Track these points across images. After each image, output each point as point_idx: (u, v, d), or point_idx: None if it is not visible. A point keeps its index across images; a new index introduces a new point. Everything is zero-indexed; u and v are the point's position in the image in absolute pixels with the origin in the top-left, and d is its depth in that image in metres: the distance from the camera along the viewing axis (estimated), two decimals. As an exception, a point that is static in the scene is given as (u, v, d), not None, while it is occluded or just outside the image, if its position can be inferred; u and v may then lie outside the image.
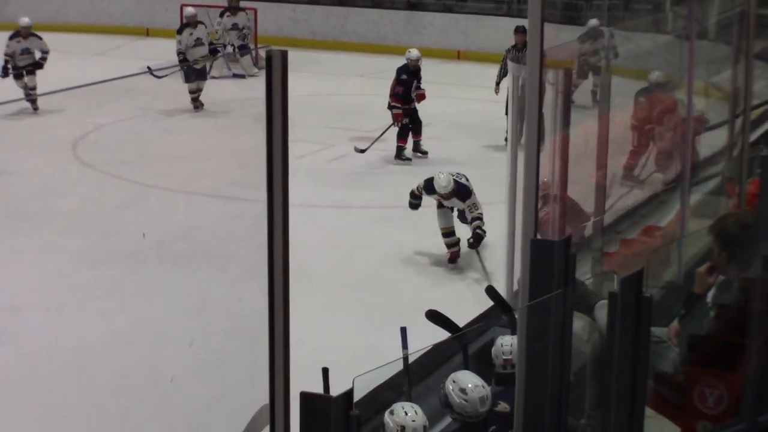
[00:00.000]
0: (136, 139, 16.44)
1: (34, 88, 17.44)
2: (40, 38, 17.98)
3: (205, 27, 19.88)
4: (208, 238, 11.63)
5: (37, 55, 17.75)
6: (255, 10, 22.54)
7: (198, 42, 19.34)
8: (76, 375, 8.76)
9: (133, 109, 17.62)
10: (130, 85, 19.37)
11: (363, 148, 14.36)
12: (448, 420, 5.97)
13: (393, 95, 15.33)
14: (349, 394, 3.30)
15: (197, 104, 18.26)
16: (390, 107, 15.33)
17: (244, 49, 21.30)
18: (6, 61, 17.44)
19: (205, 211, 12.66)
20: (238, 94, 18.90)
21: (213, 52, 20.08)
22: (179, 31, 19.61)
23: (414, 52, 15.69)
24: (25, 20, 17.91)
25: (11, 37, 17.67)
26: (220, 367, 8.48)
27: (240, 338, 8.75)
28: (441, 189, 11.01)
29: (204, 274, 10.69)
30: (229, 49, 21.20)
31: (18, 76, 17.29)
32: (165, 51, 21.29)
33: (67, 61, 20.87)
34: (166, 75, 17.88)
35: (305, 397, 3.34)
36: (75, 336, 9.40)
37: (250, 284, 9.90)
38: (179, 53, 19.37)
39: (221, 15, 21.21)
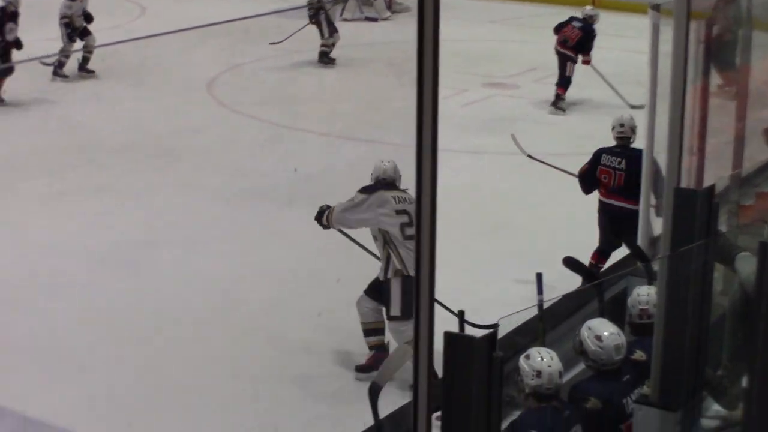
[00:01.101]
0: (271, 80, 16.53)
1: (90, 52, 16.54)
2: None
3: None
4: (341, 180, 11.67)
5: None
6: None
7: None
8: (210, 310, 8.89)
9: (268, 50, 17.72)
10: (265, 23, 19.44)
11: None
12: (581, 367, 5.96)
13: (569, 45, 15.13)
14: (493, 335, 3.32)
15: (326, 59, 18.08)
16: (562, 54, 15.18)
17: None
18: (66, 24, 16.30)
19: (339, 153, 12.70)
20: (371, 38, 18.93)
21: None
22: None
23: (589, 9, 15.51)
24: None
25: None
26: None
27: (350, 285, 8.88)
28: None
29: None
30: None
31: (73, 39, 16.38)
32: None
33: (202, 0, 21.13)
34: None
35: (449, 336, 3.36)
36: (209, 272, 9.55)
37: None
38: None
39: None
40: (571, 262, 6.97)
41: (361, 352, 7.88)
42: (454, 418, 3.31)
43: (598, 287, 6.76)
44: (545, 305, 6.52)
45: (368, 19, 20.78)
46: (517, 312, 5.48)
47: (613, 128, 9.19)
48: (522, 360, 5.38)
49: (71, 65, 16.27)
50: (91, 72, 16.35)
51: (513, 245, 10.18)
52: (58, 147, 12.74)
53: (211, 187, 11.71)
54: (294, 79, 16.55)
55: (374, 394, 5.61)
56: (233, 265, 9.74)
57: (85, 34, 16.29)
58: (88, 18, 16.24)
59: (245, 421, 7.32)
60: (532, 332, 6.39)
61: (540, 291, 6.57)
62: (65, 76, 16.08)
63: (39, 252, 9.70)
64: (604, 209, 9.15)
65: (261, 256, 9.91)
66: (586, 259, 7.29)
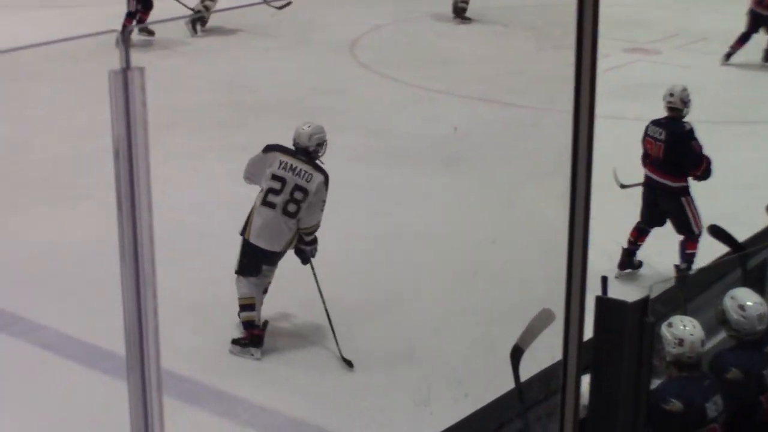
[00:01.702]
0: (410, 41, 16.58)
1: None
2: None
3: None
4: (478, 142, 11.71)
5: None
6: None
7: None
8: (347, 269, 9.00)
9: (408, 11, 17.78)
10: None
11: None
12: (721, 336, 5.93)
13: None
14: (646, 300, 3.35)
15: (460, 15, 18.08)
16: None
17: None
18: None
19: (477, 116, 12.72)
20: (510, 1, 18.81)
21: None
22: None
23: None
24: None
25: None
26: (487, 270, 8.61)
27: (509, 245, 8.91)
28: None
29: (473, 178, 10.81)
30: None
31: None
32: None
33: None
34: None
35: (601, 301, 3.40)
36: (347, 232, 9.65)
37: (520, 190, 10.07)
38: None
39: None
40: (716, 231, 6.90)
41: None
42: (603, 380, 3.35)
43: (741, 257, 6.70)
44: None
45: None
46: (669, 279, 5.51)
47: (664, 98, 9.03)
48: (664, 328, 5.38)
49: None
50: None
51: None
52: (200, 104, 12.93)
53: (350, 147, 11.80)
54: (433, 42, 16.57)
55: (516, 357, 5.67)
56: (368, 225, 9.86)
57: None
58: None
59: (402, 375, 7.46)
60: (673, 301, 6.38)
61: (682, 259, 6.55)
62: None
63: (185, 209, 9.86)
64: (647, 182, 9.01)
65: (402, 216, 9.99)
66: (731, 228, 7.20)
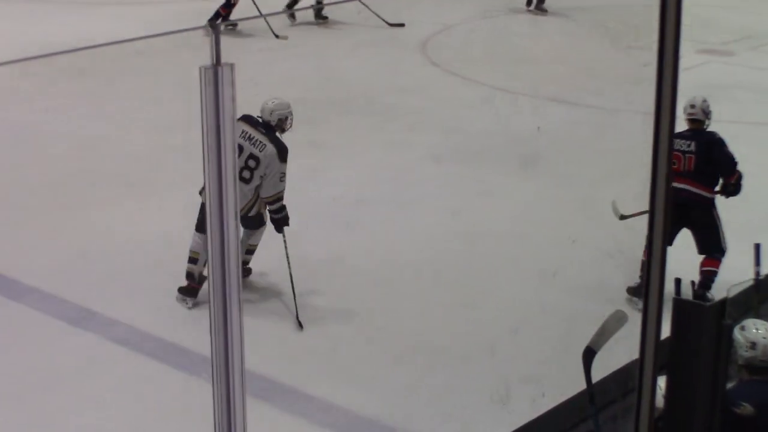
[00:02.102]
0: (482, 41, 16.57)
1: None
2: None
3: None
4: (554, 142, 11.68)
5: None
6: None
7: None
8: (417, 266, 9.04)
9: (479, 11, 17.77)
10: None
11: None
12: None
13: None
14: (724, 303, 3.34)
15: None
16: None
17: None
18: None
19: (549, 115, 12.68)
20: (582, 1, 18.75)
21: None
22: None
23: None
24: None
25: None
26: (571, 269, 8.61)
27: (587, 244, 8.88)
28: None
29: (550, 177, 10.79)
30: None
31: None
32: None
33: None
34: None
35: (678, 303, 3.39)
36: (424, 230, 9.68)
37: (597, 190, 10.04)
38: None
39: None
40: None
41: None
42: (680, 381, 3.35)
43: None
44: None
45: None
46: (744, 283, 5.48)
47: (684, 110, 8.68)
48: (737, 331, 5.36)
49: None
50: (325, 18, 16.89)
51: (723, 215, 10.05)
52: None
53: (423, 145, 11.84)
54: (505, 41, 16.56)
55: (588, 358, 5.67)
56: (440, 223, 9.85)
57: None
58: None
59: (481, 373, 7.45)
60: (745, 303, 6.33)
61: (758, 262, 6.49)
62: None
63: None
64: (676, 198, 8.76)
65: (480, 215, 9.99)
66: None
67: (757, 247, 6.50)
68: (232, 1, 16.37)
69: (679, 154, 8.40)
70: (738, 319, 5.50)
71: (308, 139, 11.89)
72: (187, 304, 8.42)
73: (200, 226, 8.29)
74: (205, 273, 8.24)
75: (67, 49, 15.00)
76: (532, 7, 18.13)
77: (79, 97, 13.23)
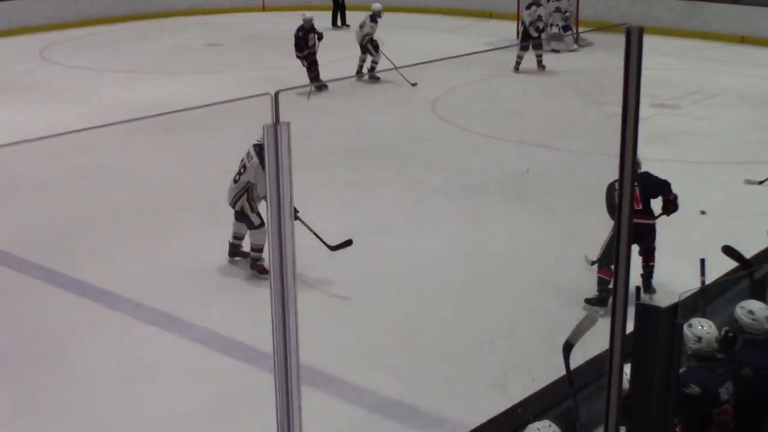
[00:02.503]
0: (480, 99, 16.61)
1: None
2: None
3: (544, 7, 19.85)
4: (538, 180, 11.68)
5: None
6: (577, -1, 22.30)
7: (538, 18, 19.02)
8: (431, 278, 9.07)
9: (477, 75, 17.82)
10: (476, 56, 19.62)
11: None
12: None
13: None
14: (676, 306, 3.34)
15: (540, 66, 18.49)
16: None
17: (566, 29, 21.04)
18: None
19: (534, 158, 12.68)
20: (556, 66, 18.75)
21: (566, 29, 20.21)
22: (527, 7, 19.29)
23: None
24: (376, 6, 17.70)
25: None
26: (542, 279, 8.59)
27: (567, 261, 8.87)
28: None
29: (532, 208, 10.79)
30: (554, 29, 21.01)
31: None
32: (505, 30, 21.46)
33: (428, 36, 21.35)
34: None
35: (640, 307, 3.40)
36: (431, 252, 9.68)
37: (573, 217, 10.03)
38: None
39: (548, 0, 21.08)
40: (729, 250, 6.83)
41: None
42: (642, 368, 3.35)
43: (750, 272, 6.63)
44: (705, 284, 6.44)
45: (553, 51, 20.54)
46: (692, 290, 5.49)
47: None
48: (686, 328, 5.35)
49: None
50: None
51: (673, 237, 10.05)
52: (317, 149, 13.04)
53: (434, 183, 11.86)
54: (498, 99, 16.58)
55: (567, 350, 5.68)
56: (448, 246, 9.83)
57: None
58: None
59: (484, 364, 7.48)
60: (692, 306, 6.32)
61: (703, 273, 6.48)
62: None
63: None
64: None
65: (480, 237, 9.98)
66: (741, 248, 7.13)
67: (702, 261, 6.50)
68: (310, 69, 16.57)
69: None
70: (687, 318, 5.49)
71: (345, 178, 11.98)
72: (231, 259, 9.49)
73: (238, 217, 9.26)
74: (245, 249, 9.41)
75: (153, 110, 15.15)
76: (518, 68, 18.31)
77: (164, 148, 13.31)
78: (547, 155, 12.96)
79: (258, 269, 9.16)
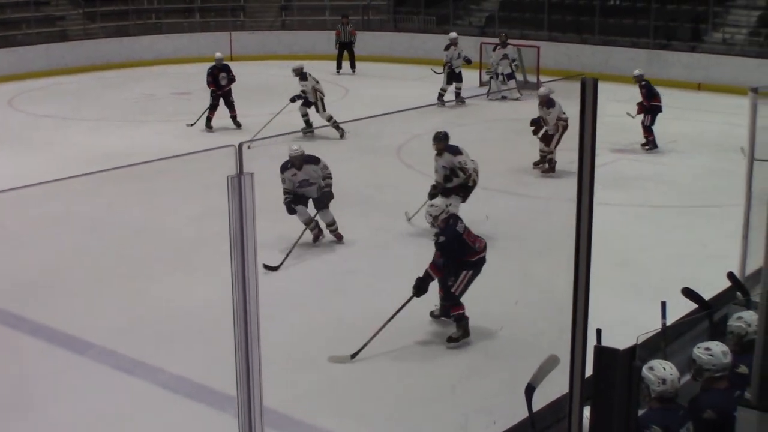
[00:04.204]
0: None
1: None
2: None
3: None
4: (500, 225, 11.72)
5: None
6: (538, 48, 22.52)
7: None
8: (394, 327, 8.79)
9: (439, 123, 17.90)
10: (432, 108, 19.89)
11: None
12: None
13: None
14: (634, 348, 3.36)
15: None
16: None
17: (510, 77, 21.24)
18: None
19: (498, 203, 12.76)
20: (518, 113, 18.88)
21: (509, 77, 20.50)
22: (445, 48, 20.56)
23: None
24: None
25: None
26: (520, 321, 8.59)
27: (527, 305, 8.89)
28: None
29: (497, 253, 10.79)
30: (501, 77, 21.25)
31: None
32: (467, 79, 21.67)
33: (393, 85, 21.48)
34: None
35: (598, 349, 3.41)
36: (393, 296, 9.59)
37: (539, 259, 10.09)
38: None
39: (494, 49, 21.34)
40: (689, 293, 6.87)
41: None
42: (601, 410, 3.37)
43: (708, 313, 6.68)
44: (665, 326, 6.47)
45: (503, 97, 20.82)
46: (651, 332, 5.51)
47: None
48: (646, 370, 5.35)
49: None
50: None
51: (633, 279, 10.13)
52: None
53: (396, 228, 11.88)
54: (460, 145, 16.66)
55: (529, 393, 5.67)
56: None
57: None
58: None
59: (445, 407, 7.51)
60: (652, 347, 6.35)
61: (664, 315, 6.50)
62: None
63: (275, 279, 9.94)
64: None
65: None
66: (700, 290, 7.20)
67: (663, 304, 6.52)
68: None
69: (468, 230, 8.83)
70: (646, 360, 5.51)
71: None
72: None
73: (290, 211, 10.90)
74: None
75: (123, 158, 15.13)
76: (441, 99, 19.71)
77: (134, 196, 13.27)
78: (507, 201, 13.04)
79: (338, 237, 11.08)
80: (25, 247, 11.45)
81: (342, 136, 17.27)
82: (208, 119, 18.04)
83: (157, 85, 23.26)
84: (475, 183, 11.55)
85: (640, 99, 16.31)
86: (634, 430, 3.45)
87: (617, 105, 18.80)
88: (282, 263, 10.53)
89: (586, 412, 3.59)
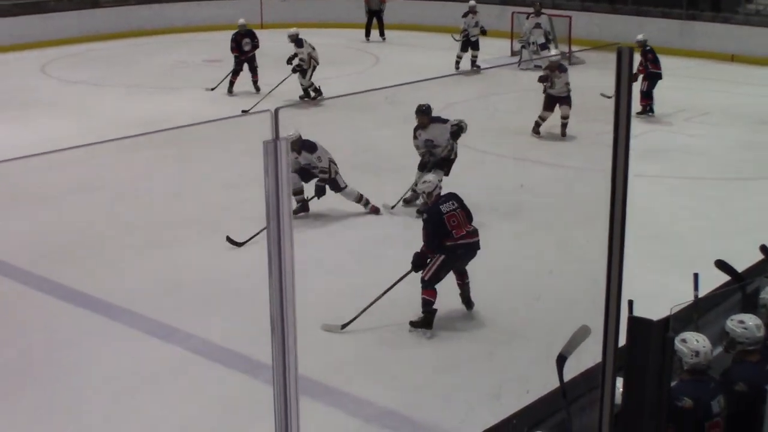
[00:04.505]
0: (477, 116, 16.60)
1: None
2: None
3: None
4: (530, 195, 11.69)
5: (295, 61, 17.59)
6: (570, 17, 22.34)
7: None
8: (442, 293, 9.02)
9: (474, 92, 17.88)
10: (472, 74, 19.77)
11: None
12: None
13: None
14: (667, 320, 3.34)
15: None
16: None
17: (544, 47, 21.08)
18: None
19: (528, 174, 12.70)
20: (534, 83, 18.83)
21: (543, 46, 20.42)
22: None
23: None
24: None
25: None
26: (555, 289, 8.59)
27: (561, 274, 8.87)
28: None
29: (528, 223, 10.82)
30: (533, 47, 21.12)
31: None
32: (499, 48, 21.55)
33: (425, 54, 21.39)
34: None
35: (632, 321, 3.40)
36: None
37: (573, 229, 10.09)
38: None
39: (527, 17, 21.21)
40: (721, 264, 6.83)
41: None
42: (634, 381, 3.36)
43: (741, 286, 6.64)
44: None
45: (536, 66, 20.57)
46: (684, 303, 5.48)
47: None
48: (679, 343, 5.33)
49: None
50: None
51: (666, 251, 10.08)
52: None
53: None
54: (494, 116, 16.59)
55: (560, 363, 5.67)
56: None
57: None
58: None
59: (481, 374, 7.58)
60: (685, 319, 6.32)
61: (696, 287, 6.47)
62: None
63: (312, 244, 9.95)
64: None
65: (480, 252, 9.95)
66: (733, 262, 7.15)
67: (696, 276, 6.48)
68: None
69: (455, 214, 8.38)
70: (679, 332, 5.48)
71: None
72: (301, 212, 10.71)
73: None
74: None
75: (154, 125, 15.18)
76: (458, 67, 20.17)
77: (166, 162, 13.32)
78: (541, 171, 12.98)
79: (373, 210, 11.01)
80: (59, 211, 11.54)
81: (315, 98, 17.48)
82: (231, 84, 18.29)
83: (189, 51, 23.28)
84: (456, 156, 11.28)
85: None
86: (667, 401, 3.43)
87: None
88: (248, 240, 10.28)
89: (618, 382, 3.59)
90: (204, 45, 24.02)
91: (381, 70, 20.92)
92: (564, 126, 14.79)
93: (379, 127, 15.33)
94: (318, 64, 17.55)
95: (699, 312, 6.29)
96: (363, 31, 25.33)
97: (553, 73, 14.59)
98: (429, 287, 8.19)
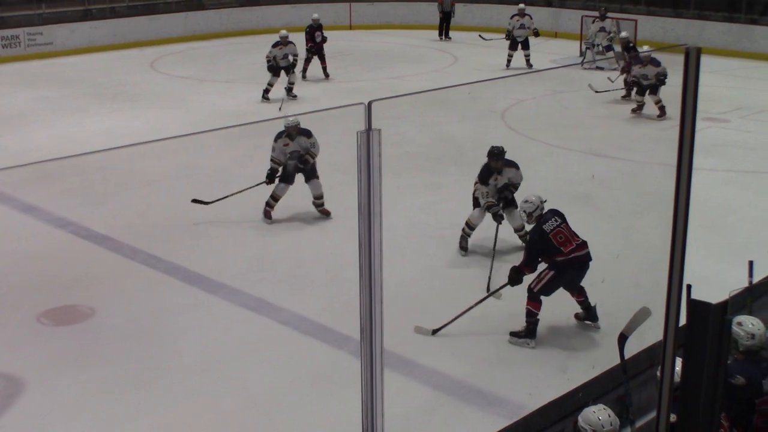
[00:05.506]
0: (544, 112, 16.50)
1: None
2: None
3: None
4: (596, 185, 11.57)
5: (291, 58, 17.43)
6: (635, 21, 22.00)
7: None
8: (499, 276, 8.85)
9: (542, 90, 17.72)
10: (542, 72, 19.56)
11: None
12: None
13: None
14: (726, 304, 3.29)
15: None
16: None
17: (609, 49, 20.75)
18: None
19: (592, 166, 12.56)
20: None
21: (608, 48, 20.13)
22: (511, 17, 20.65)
23: None
24: (282, 32, 17.83)
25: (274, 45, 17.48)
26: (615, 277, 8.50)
27: (626, 260, 8.78)
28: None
29: (595, 211, 10.67)
30: (598, 48, 20.82)
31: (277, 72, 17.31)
32: (569, 48, 21.25)
33: (497, 54, 21.21)
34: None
35: (692, 303, 3.35)
36: (507, 243, 9.59)
37: (634, 220, 9.97)
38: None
39: (593, 21, 20.90)
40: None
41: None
42: (693, 362, 3.31)
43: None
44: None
45: (598, 68, 20.21)
46: (739, 289, 5.40)
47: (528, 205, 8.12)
48: (736, 326, 5.27)
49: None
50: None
51: (721, 240, 9.89)
52: (398, 156, 13.09)
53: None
54: (558, 111, 16.46)
55: (622, 341, 5.65)
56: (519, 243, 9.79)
57: None
58: None
59: (548, 350, 7.55)
60: (741, 304, 6.23)
61: (750, 274, 6.36)
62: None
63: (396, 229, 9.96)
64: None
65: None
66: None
67: (751, 263, 6.37)
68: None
69: (560, 230, 7.70)
70: (735, 315, 5.41)
71: (426, 181, 12.01)
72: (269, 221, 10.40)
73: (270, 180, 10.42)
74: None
75: (250, 118, 15.34)
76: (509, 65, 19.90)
77: (259, 151, 13.43)
78: (606, 164, 12.82)
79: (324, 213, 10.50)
80: (162, 194, 11.71)
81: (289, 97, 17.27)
82: (304, 70, 18.95)
83: (284, 50, 23.38)
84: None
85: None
86: (723, 379, 3.38)
87: (710, 76, 18.32)
88: (215, 201, 10.65)
89: (679, 360, 3.55)
90: (298, 44, 24.09)
91: (458, 69, 20.82)
92: (661, 108, 14.80)
93: (451, 122, 15.31)
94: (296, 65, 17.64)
95: (753, 297, 6.19)
96: (436, 32, 25.24)
97: (646, 68, 14.85)
98: (535, 299, 7.69)
